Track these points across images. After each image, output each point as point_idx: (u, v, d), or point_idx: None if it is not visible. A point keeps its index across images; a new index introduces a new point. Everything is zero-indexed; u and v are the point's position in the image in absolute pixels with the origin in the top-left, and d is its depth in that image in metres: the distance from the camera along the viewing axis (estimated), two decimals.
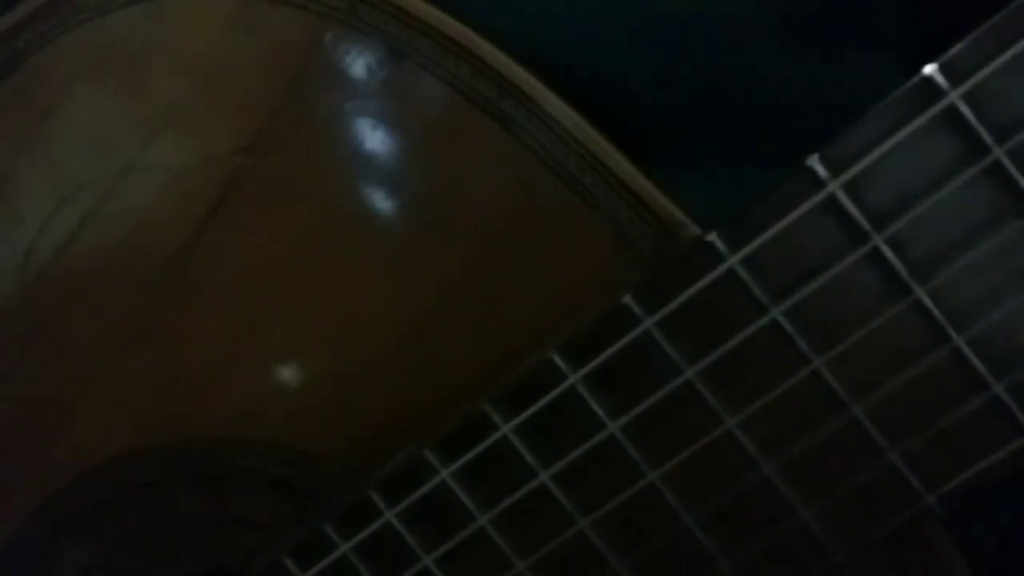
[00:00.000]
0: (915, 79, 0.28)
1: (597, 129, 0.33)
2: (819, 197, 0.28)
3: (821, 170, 0.28)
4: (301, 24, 0.34)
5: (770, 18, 0.36)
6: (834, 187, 0.28)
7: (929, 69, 0.27)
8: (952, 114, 0.27)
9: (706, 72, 0.36)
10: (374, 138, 0.34)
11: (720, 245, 0.29)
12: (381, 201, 0.35)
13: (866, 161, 0.28)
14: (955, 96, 0.27)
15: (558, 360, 0.31)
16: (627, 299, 0.30)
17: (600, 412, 0.31)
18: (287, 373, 0.36)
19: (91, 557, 0.40)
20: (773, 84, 0.36)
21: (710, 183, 0.34)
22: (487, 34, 0.33)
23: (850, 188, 0.28)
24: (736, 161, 0.36)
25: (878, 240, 0.28)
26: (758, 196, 0.29)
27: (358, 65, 0.34)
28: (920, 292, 0.28)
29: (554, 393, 0.31)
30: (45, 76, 0.36)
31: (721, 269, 0.29)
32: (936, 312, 0.28)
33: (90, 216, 0.37)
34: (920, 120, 0.27)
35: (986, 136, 0.27)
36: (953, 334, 0.28)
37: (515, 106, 0.33)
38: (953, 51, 0.27)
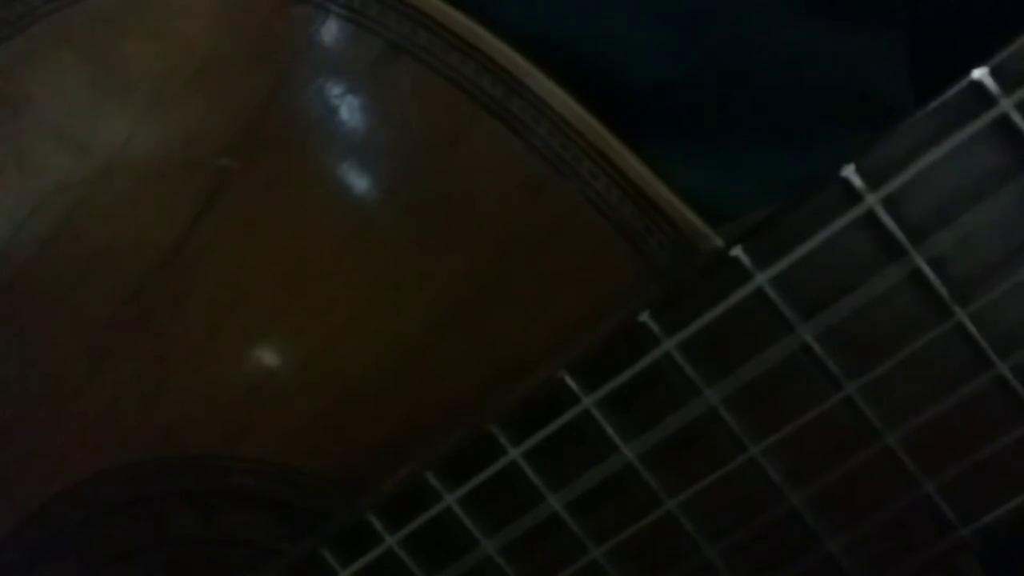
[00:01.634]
0: (962, 83, 0.25)
1: (609, 129, 0.31)
2: (855, 211, 0.26)
3: (857, 181, 0.26)
4: (292, 14, 0.31)
5: None
6: (872, 201, 0.26)
7: (978, 73, 0.25)
8: (1002, 122, 0.25)
9: (714, 45, 0.34)
10: (369, 138, 0.32)
11: (746, 261, 0.27)
12: (377, 206, 0.32)
13: (906, 173, 0.26)
14: (1008, 104, 0.25)
15: (570, 381, 0.29)
16: (645, 317, 0.28)
17: (615, 436, 0.29)
18: (279, 385, 0.34)
19: None
20: (781, 57, 0.34)
21: (719, 157, 0.32)
22: (493, 28, 0.30)
23: (888, 201, 0.26)
24: (743, 135, 0.34)
25: (917, 258, 0.26)
26: (786, 205, 0.27)
27: (353, 59, 0.31)
28: (962, 314, 0.26)
29: (566, 416, 0.29)
30: (13, 67, 0.34)
31: (748, 288, 0.27)
32: (978, 336, 0.26)
33: (69, 219, 0.34)
34: (968, 129, 0.25)
35: None
36: (996, 360, 0.26)
37: (523, 106, 0.30)
38: (1005, 53, 0.25)
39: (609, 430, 0.29)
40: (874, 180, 0.26)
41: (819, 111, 0.34)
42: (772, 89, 0.34)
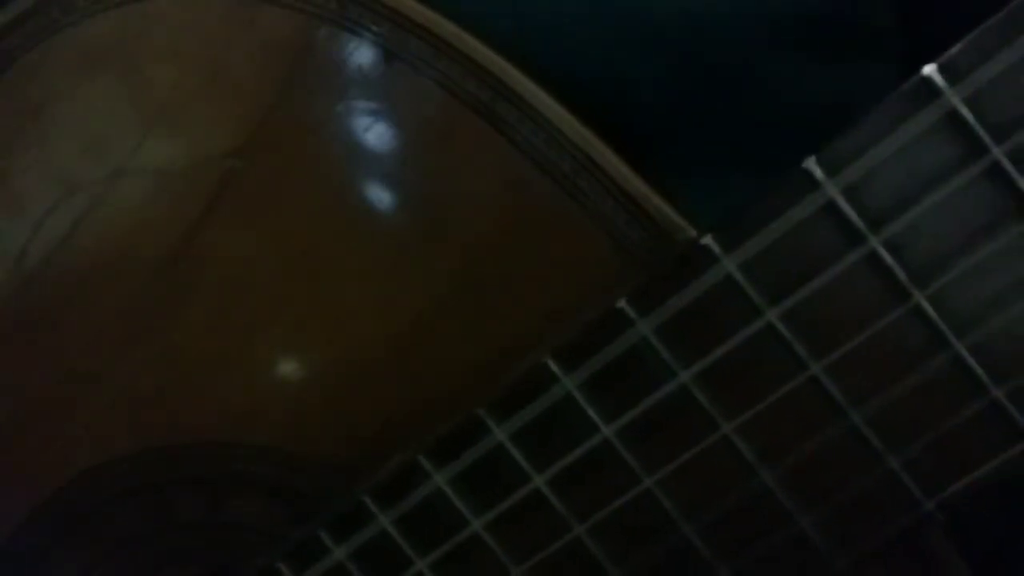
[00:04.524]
0: (913, 79, 0.27)
1: (592, 131, 0.32)
2: (816, 199, 0.28)
3: (818, 172, 0.28)
4: (292, 25, 0.33)
5: (769, 23, 0.35)
6: (831, 189, 0.28)
7: (928, 69, 0.27)
8: (951, 115, 0.27)
9: (704, 76, 0.35)
10: (366, 140, 0.34)
11: (715, 248, 0.29)
12: (374, 203, 0.34)
13: (863, 163, 0.28)
14: (954, 97, 0.26)
15: (552, 365, 0.31)
16: (622, 303, 0.30)
17: (595, 417, 0.31)
18: (283, 375, 0.36)
19: (88, 561, 0.40)
20: (772, 89, 0.36)
21: (707, 187, 0.34)
22: (481, 35, 0.32)
23: (847, 190, 0.28)
24: (734, 165, 0.35)
25: (876, 243, 0.28)
26: (754, 198, 0.29)
27: (349, 66, 0.33)
28: (919, 297, 0.28)
29: (549, 398, 0.31)
30: (35, 77, 0.36)
31: (717, 273, 0.29)
32: (936, 317, 0.28)
33: (83, 218, 0.37)
34: (919, 121, 0.27)
35: (985, 137, 0.27)
36: (953, 339, 0.28)
37: (508, 108, 0.32)
38: (952, 51, 0.27)
39: (589, 411, 0.31)
40: (833, 169, 0.28)
41: (808, 141, 0.36)
42: (761, 119, 0.35)
